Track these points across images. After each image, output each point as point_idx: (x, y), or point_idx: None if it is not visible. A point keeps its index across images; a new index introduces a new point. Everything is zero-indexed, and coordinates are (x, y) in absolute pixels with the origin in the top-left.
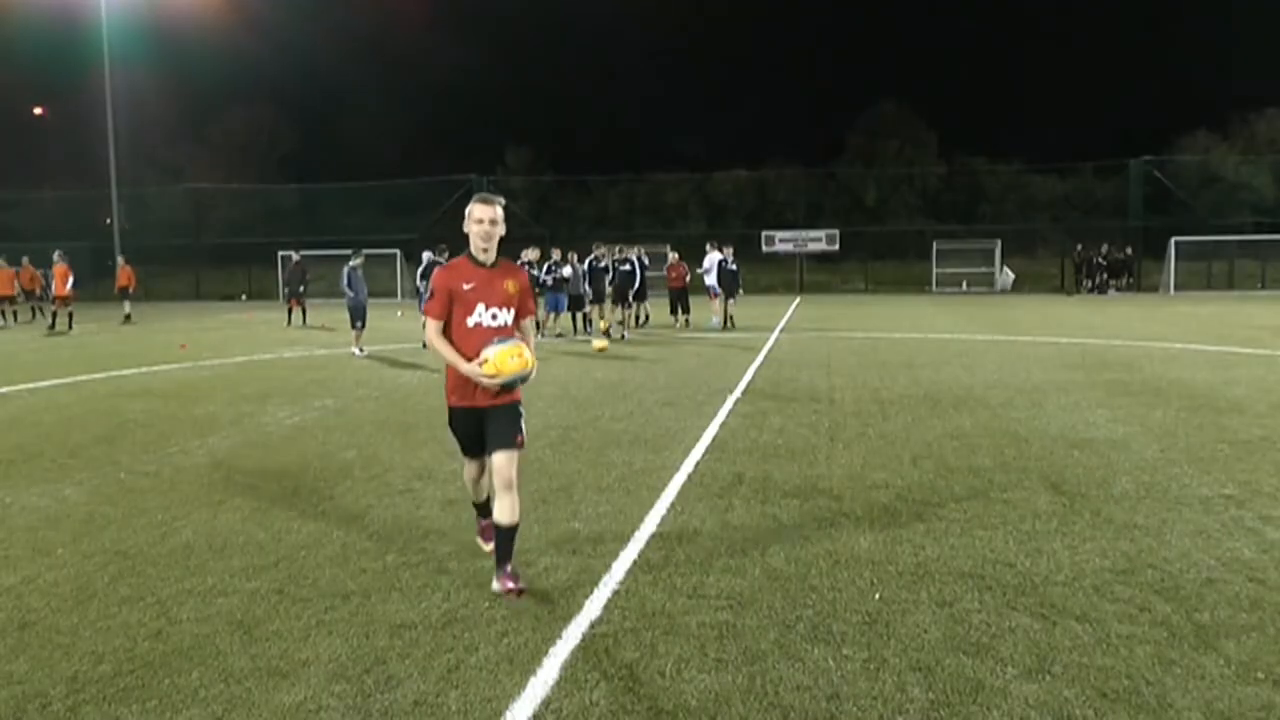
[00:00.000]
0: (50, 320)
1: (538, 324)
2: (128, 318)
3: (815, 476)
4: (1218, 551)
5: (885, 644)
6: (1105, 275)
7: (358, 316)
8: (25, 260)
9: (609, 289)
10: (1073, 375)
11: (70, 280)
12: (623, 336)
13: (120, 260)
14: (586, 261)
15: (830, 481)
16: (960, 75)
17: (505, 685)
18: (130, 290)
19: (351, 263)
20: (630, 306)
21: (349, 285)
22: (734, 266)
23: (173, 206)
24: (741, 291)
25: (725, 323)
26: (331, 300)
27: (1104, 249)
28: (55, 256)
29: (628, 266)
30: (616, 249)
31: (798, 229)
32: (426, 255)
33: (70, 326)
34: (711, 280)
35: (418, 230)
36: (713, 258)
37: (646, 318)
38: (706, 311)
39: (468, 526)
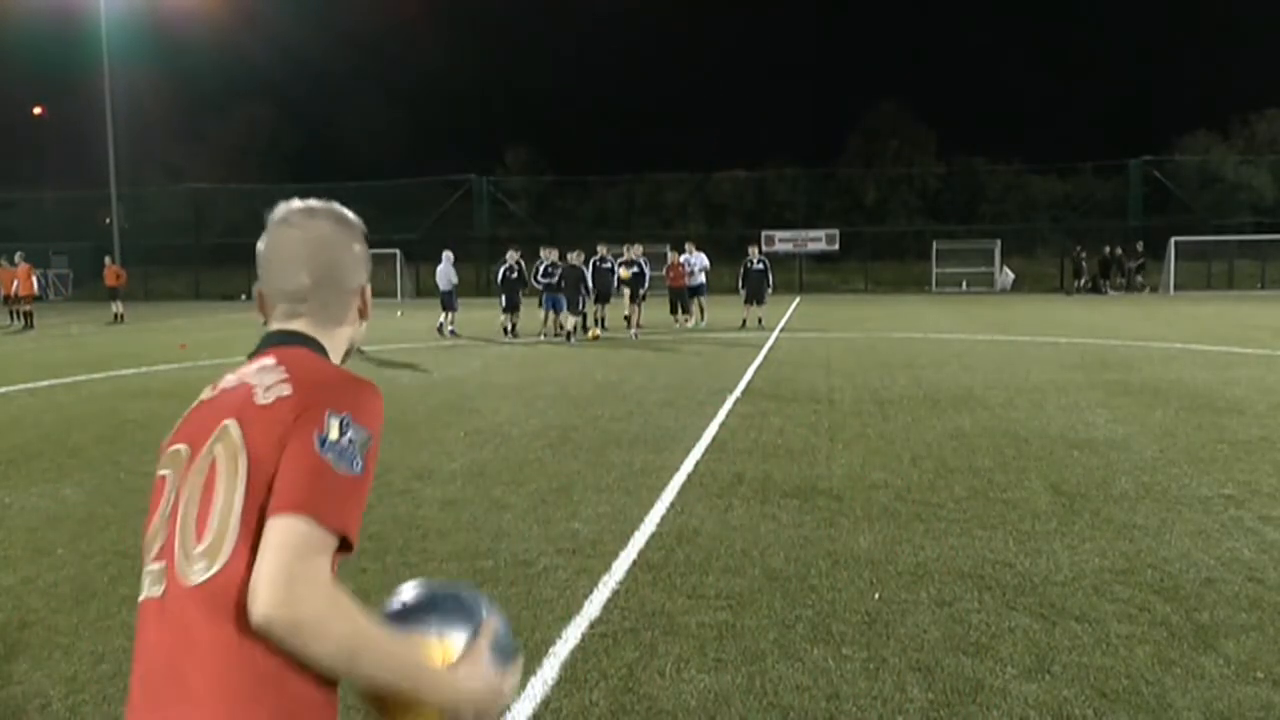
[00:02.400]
0: (23, 321)
1: (508, 329)
2: (119, 317)
3: (815, 476)
4: (1218, 551)
5: (885, 644)
6: (1139, 275)
7: None
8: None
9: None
10: (1073, 375)
11: (14, 283)
12: (633, 335)
13: (107, 260)
14: (591, 262)
15: (830, 481)
16: (960, 75)
17: None
18: (120, 290)
19: None
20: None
21: None
22: (760, 266)
23: (173, 206)
24: (770, 291)
25: (744, 323)
26: None
27: (1139, 246)
28: (17, 258)
29: (636, 269)
30: (625, 249)
31: (797, 229)
32: (448, 255)
33: (31, 325)
34: (697, 280)
35: (417, 230)
36: (690, 258)
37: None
38: (736, 313)
39: (467, 526)
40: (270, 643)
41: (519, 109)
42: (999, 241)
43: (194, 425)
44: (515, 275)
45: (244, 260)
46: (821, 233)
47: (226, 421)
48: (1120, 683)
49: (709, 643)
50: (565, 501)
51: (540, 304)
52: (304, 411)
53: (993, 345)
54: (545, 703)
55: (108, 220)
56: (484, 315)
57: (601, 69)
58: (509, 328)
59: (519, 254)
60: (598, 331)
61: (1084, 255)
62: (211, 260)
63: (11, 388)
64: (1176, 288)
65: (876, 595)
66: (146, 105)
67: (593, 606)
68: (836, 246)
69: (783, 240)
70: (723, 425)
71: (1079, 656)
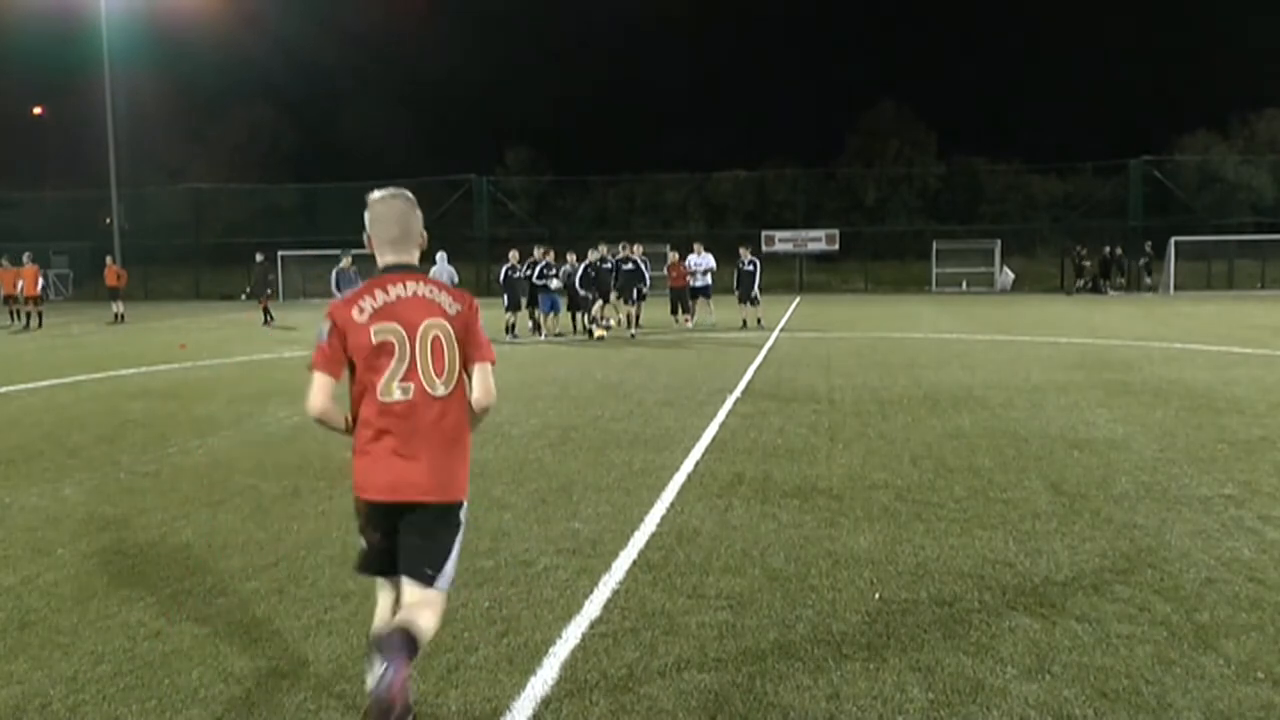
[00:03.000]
0: (25, 321)
1: (536, 324)
2: (119, 317)
3: (815, 476)
4: (1218, 551)
5: (885, 644)
6: (1148, 275)
7: None
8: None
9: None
10: (1073, 375)
11: (39, 281)
12: (631, 335)
13: (108, 260)
14: (586, 261)
15: (830, 481)
16: (960, 75)
17: (505, 685)
18: (120, 290)
19: (340, 264)
20: (633, 304)
21: (337, 287)
22: (750, 267)
23: (173, 206)
24: (758, 291)
25: (744, 323)
26: (330, 300)
27: (1147, 246)
28: (25, 258)
29: (630, 265)
30: (620, 247)
31: (797, 229)
32: (443, 256)
33: (39, 325)
34: (701, 281)
35: None
36: (697, 259)
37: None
38: (733, 313)
39: (467, 526)
40: (465, 416)
41: (519, 109)
42: (999, 241)
43: (398, 314)
44: (517, 275)
45: (244, 260)
46: (821, 233)
47: (436, 320)
48: (1120, 683)
49: (709, 643)
50: (565, 501)
51: (538, 304)
52: (471, 315)
53: (993, 345)
54: (545, 702)
55: (108, 220)
56: (485, 315)
57: (601, 69)
58: (510, 327)
59: (519, 254)
60: (601, 331)
61: (1085, 255)
62: (211, 260)
63: (11, 388)
64: (1176, 288)
65: (876, 595)
66: (147, 105)
67: (593, 606)
68: (836, 246)
69: (783, 240)
70: (723, 425)
71: (1079, 656)
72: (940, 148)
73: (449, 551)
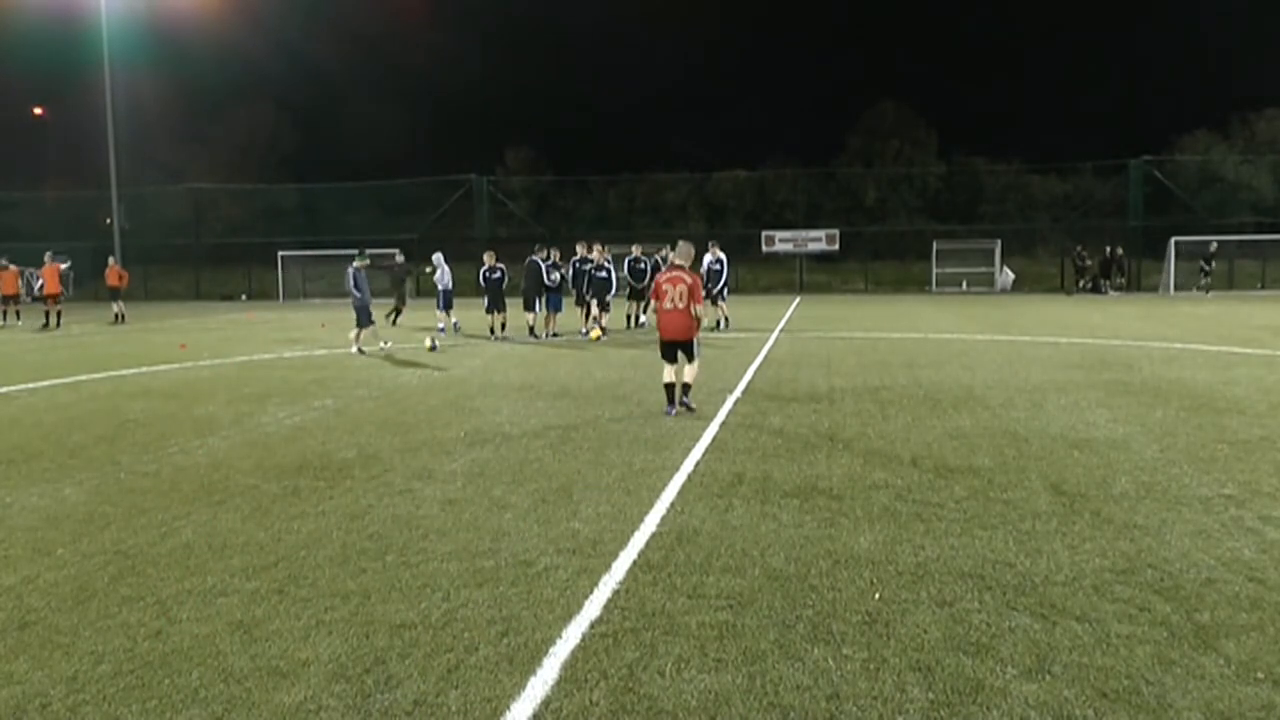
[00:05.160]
0: (44, 319)
1: (530, 329)
2: (119, 317)
3: (815, 476)
4: (1218, 551)
5: (885, 644)
6: (1206, 277)
7: (364, 316)
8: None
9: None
10: (1073, 375)
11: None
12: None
13: (110, 260)
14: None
15: (830, 481)
16: (960, 75)
17: (505, 685)
18: (120, 290)
19: (355, 264)
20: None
21: (355, 286)
22: (716, 265)
23: (173, 206)
24: (726, 290)
25: (717, 323)
26: (333, 300)
27: (1211, 248)
28: (46, 257)
29: (603, 273)
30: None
31: (797, 229)
32: (437, 257)
33: (57, 324)
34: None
35: (417, 230)
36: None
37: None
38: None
39: (468, 526)
40: (691, 312)
41: (519, 109)
42: (999, 241)
43: (673, 280)
44: (497, 275)
45: (244, 260)
46: (821, 233)
47: (681, 285)
48: (1120, 683)
49: (709, 643)
50: (565, 501)
51: (545, 304)
52: (695, 283)
53: (993, 345)
54: (545, 703)
55: (108, 220)
56: (475, 314)
57: (601, 69)
58: (495, 328)
59: (494, 255)
60: (599, 331)
61: (1086, 255)
62: (211, 260)
63: (12, 387)
64: (1177, 288)
65: (876, 595)
66: (147, 105)
67: (593, 606)
68: (836, 246)
69: (783, 240)
70: (723, 425)
71: (1079, 656)
72: (940, 148)
73: (695, 350)
